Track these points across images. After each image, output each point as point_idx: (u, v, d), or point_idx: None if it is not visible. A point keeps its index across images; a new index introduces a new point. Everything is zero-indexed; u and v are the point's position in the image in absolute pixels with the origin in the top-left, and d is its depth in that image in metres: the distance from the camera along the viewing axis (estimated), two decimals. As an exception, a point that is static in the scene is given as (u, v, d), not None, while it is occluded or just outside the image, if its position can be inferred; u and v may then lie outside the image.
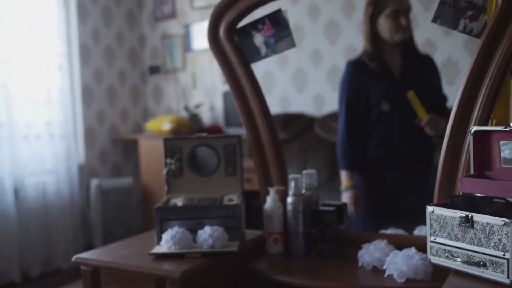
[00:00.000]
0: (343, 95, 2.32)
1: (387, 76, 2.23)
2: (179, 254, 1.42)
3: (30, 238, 3.69)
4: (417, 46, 2.30)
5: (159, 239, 1.48)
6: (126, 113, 4.68)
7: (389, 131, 2.21)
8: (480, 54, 1.29)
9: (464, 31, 1.34)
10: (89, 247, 3.95)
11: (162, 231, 1.49)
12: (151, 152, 4.23)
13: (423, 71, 2.27)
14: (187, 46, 4.54)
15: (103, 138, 4.45)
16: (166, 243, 1.44)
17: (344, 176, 2.29)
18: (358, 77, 2.26)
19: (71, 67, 4.24)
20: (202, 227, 1.46)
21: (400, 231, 1.55)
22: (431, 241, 1.21)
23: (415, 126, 2.14)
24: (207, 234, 1.43)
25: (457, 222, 1.15)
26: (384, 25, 2.23)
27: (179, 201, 1.58)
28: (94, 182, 4.08)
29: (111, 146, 4.53)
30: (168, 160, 1.64)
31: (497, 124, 1.30)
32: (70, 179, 3.97)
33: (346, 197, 2.27)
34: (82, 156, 4.26)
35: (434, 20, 1.36)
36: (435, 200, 1.36)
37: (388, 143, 2.21)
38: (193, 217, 1.50)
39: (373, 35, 2.26)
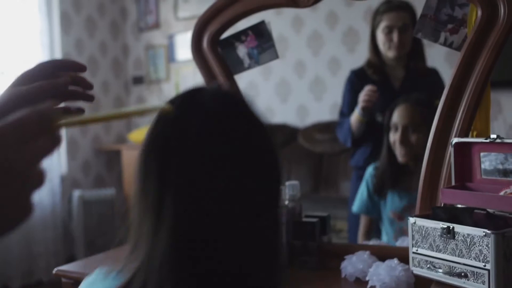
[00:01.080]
0: (343, 103, 2.39)
1: (386, 88, 2.26)
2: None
3: (10, 250, 3.64)
4: (425, 59, 2.34)
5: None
6: (109, 123, 4.66)
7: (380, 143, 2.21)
8: (460, 66, 1.30)
9: (444, 43, 1.35)
10: (71, 259, 3.91)
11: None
12: (134, 163, 4.20)
13: (425, 85, 2.26)
14: (170, 57, 4.54)
15: (85, 148, 4.42)
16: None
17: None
18: (358, 86, 2.28)
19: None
20: (184, 239, 1.45)
21: (382, 242, 1.56)
22: (413, 252, 1.22)
23: None
24: (189, 246, 1.42)
25: (439, 233, 1.15)
26: (379, 39, 2.28)
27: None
28: (76, 193, 4.05)
29: (93, 157, 4.50)
30: (151, 172, 1.63)
31: (477, 136, 1.31)
32: (52, 190, 3.93)
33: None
34: (64, 167, 4.23)
35: (416, 33, 1.38)
36: (417, 211, 1.37)
37: (376, 155, 2.20)
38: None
39: (374, 47, 2.30)
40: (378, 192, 2.03)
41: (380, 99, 2.19)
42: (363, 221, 2.10)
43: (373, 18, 2.33)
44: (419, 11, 1.39)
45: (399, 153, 1.97)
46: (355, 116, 2.24)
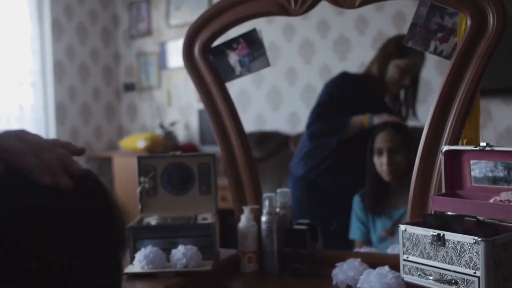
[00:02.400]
0: (323, 94, 2.41)
1: (372, 103, 2.32)
2: (153, 273, 1.40)
3: None
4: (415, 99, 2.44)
5: (132, 258, 1.46)
6: (100, 130, 4.64)
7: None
8: (450, 75, 1.31)
9: (434, 52, 1.36)
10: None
11: (135, 250, 1.47)
12: (125, 170, 4.20)
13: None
14: (162, 64, 4.54)
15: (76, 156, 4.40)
16: (139, 262, 1.42)
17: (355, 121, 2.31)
18: (346, 88, 2.35)
19: (45, 84, 4.20)
20: (175, 246, 1.45)
21: (373, 250, 1.56)
22: (404, 260, 1.22)
23: None
24: (180, 254, 1.42)
25: (429, 240, 1.16)
26: (391, 69, 2.33)
27: (152, 220, 1.57)
28: (66, 201, 4.03)
29: (84, 163, 4.47)
30: (142, 179, 1.63)
31: (467, 144, 1.32)
32: (42, 198, 3.91)
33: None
34: (54, 174, 4.20)
35: (406, 42, 1.39)
36: (408, 219, 1.37)
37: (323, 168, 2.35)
38: (166, 236, 1.49)
39: (383, 68, 2.34)
40: (374, 210, 2.15)
41: (368, 109, 2.29)
42: (357, 244, 2.15)
43: (396, 44, 2.34)
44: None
45: (386, 173, 2.11)
46: (362, 119, 2.28)
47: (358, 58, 3.66)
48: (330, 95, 2.38)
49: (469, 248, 1.08)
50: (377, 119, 2.24)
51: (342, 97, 2.34)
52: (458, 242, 1.10)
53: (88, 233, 0.67)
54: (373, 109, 2.28)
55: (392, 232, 2.06)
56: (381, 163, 2.12)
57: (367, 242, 2.13)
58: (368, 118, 2.26)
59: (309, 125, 2.41)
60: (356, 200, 2.20)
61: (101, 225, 0.69)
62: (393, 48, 2.34)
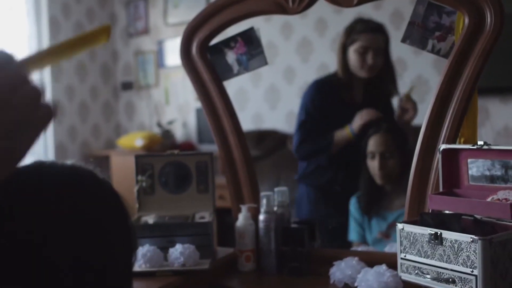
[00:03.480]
0: (301, 112, 2.33)
1: (352, 105, 2.25)
2: (150, 272, 1.40)
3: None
4: (396, 84, 2.30)
5: (130, 257, 1.46)
6: (98, 129, 4.64)
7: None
8: (447, 74, 1.31)
9: (432, 51, 1.36)
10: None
11: (132, 249, 1.47)
12: (123, 169, 4.19)
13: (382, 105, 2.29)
14: (160, 62, 4.54)
15: (74, 154, 4.40)
16: (137, 261, 1.42)
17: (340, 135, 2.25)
18: (322, 98, 2.27)
19: (42, 83, 4.19)
20: (173, 245, 1.45)
21: (370, 248, 1.56)
22: (402, 258, 1.22)
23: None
24: (178, 252, 1.42)
25: (427, 239, 1.16)
26: (351, 58, 2.23)
27: (150, 219, 1.57)
28: (64, 199, 4.03)
29: (82, 162, 4.47)
30: (140, 177, 1.63)
31: (465, 143, 1.32)
32: (39, 196, 3.91)
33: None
34: (52, 172, 4.20)
35: (403, 40, 1.39)
36: (405, 217, 1.37)
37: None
38: (164, 235, 1.49)
39: (344, 63, 2.25)
40: (368, 212, 2.14)
41: (346, 115, 2.22)
42: (355, 246, 2.16)
43: (346, 34, 2.26)
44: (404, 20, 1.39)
45: (378, 177, 2.10)
46: (344, 133, 2.22)
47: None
48: (307, 112, 2.29)
49: (467, 247, 1.08)
50: (357, 123, 2.18)
51: (321, 108, 2.27)
52: (456, 240, 1.10)
53: (109, 235, 0.70)
54: (356, 109, 2.21)
55: (387, 234, 2.05)
56: (373, 166, 2.10)
57: (364, 243, 2.13)
58: (348, 130, 2.21)
59: (296, 150, 2.35)
60: (353, 202, 2.20)
61: (119, 227, 0.72)
62: (345, 39, 2.26)
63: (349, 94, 2.29)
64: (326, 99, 2.27)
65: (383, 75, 2.27)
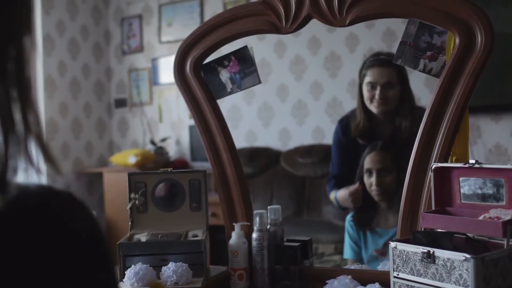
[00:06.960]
0: (332, 158, 2.35)
1: (366, 144, 2.20)
2: (142, 291, 1.39)
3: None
4: (414, 117, 2.13)
5: (122, 275, 1.45)
6: (91, 146, 4.63)
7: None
8: (439, 92, 1.33)
9: (424, 70, 1.38)
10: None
11: (125, 267, 1.46)
12: (115, 186, 4.18)
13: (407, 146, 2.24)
14: (154, 80, 4.55)
15: (67, 171, 4.39)
16: (129, 279, 1.41)
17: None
18: (345, 137, 2.26)
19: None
20: (166, 263, 1.44)
21: (364, 267, 1.56)
22: (394, 277, 1.22)
23: None
24: (171, 271, 1.41)
25: (419, 257, 1.16)
26: (364, 94, 2.18)
27: (143, 237, 1.56)
28: (56, 216, 4.00)
29: (75, 179, 4.46)
30: (132, 195, 1.62)
31: (456, 161, 1.33)
32: (31, 213, 3.88)
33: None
34: (44, 189, 4.18)
35: (396, 60, 1.40)
36: (398, 236, 1.38)
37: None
38: (157, 253, 1.48)
39: (360, 100, 2.20)
40: (363, 228, 2.15)
41: (359, 152, 2.18)
42: (349, 264, 2.14)
43: (360, 70, 2.22)
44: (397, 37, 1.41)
45: (375, 194, 2.11)
46: (342, 195, 2.22)
47: (349, 75, 3.69)
48: (336, 153, 2.31)
49: (459, 265, 1.08)
50: (341, 195, 2.21)
51: (347, 146, 2.25)
52: (448, 259, 1.10)
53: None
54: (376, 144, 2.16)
55: (383, 252, 2.04)
56: (370, 183, 2.10)
57: (360, 261, 2.12)
58: (332, 196, 2.24)
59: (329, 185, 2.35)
60: (348, 219, 2.20)
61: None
62: (358, 74, 2.22)
63: (365, 132, 2.21)
64: (348, 137, 2.24)
65: (400, 109, 2.16)
